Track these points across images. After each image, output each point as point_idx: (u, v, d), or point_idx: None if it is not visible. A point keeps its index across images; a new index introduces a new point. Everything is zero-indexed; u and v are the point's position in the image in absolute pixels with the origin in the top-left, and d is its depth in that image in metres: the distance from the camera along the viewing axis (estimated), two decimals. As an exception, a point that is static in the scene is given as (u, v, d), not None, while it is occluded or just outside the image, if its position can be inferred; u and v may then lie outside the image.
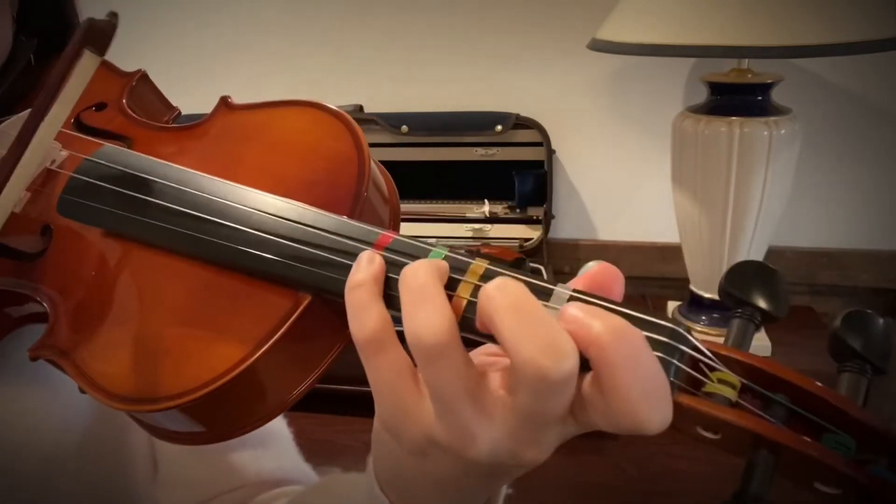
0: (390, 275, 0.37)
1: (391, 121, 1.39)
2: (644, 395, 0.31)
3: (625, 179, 1.46)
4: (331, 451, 1.09)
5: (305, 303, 0.39)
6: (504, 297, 0.32)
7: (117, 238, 0.46)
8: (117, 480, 0.64)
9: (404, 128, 1.39)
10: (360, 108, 1.44)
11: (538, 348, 0.31)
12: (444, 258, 0.37)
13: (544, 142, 1.37)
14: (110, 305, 0.44)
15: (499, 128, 1.36)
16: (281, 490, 0.62)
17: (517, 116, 1.36)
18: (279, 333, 0.39)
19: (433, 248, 0.38)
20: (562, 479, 1.08)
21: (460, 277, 0.36)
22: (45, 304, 0.46)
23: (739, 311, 0.39)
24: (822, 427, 0.34)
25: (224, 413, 0.40)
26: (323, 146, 0.47)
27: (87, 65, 0.44)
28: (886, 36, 1.01)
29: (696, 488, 1.00)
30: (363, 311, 0.36)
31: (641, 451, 1.07)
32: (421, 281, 0.34)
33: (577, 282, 0.37)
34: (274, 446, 0.67)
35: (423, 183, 1.42)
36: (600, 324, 0.31)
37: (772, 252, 1.27)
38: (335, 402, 1.15)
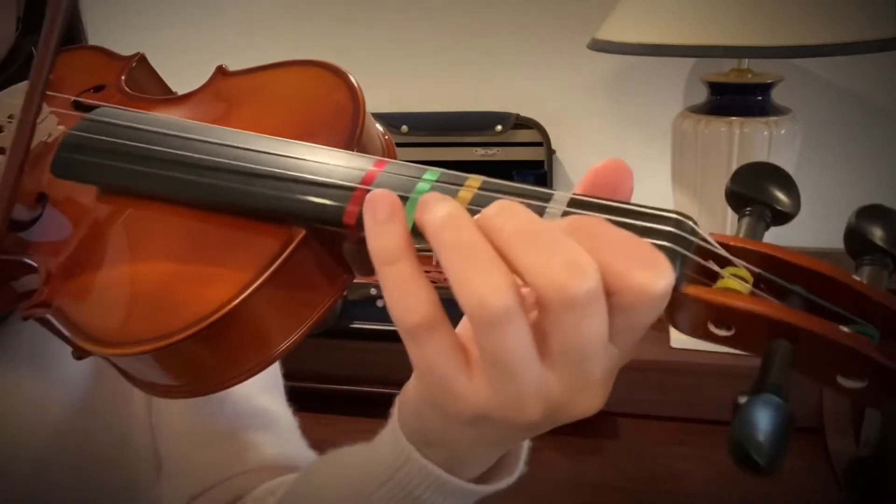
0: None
1: (391, 121, 1.39)
2: (630, 263, 0.30)
3: (625, 179, 1.45)
4: (331, 451, 1.08)
5: (299, 237, 0.39)
6: (509, 222, 0.31)
7: (110, 195, 0.46)
8: (120, 479, 0.64)
9: (404, 128, 1.39)
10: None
11: (559, 270, 0.29)
12: (439, 176, 0.37)
13: (544, 142, 1.37)
14: (101, 259, 0.44)
15: (499, 128, 1.36)
16: (283, 479, 0.61)
17: (517, 116, 1.36)
18: (272, 269, 0.38)
19: (428, 169, 0.38)
20: (562, 479, 1.08)
21: (458, 188, 0.36)
22: (35, 265, 0.46)
23: (748, 209, 0.36)
24: (844, 317, 0.32)
25: (210, 360, 0.40)
26: (317, 95, 0.47)
27: None
28: (886, 36, 1.01)
29: (695, 488, 1.00)
30: (410, 292, 0.32)
31: (641, 451, 1.07)
32: (469, 237, 0.31)
33: (581, 184, 0.36)
34: (276, 432, 0.65)
35: (423, 183, 1.42)
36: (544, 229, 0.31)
37: (772, 252, 1.27)
38: (335, 402, 1.15)
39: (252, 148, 0.42)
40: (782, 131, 1.12)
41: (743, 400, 0.29)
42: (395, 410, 0.43)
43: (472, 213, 0.33)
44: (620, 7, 1.13)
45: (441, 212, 0.32)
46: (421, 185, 0.37)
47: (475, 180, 0.36)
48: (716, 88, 1.18)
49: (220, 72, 0.53)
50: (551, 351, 0.32)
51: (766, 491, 0.99)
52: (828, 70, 1.32)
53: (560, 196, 0.34)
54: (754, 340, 0.32)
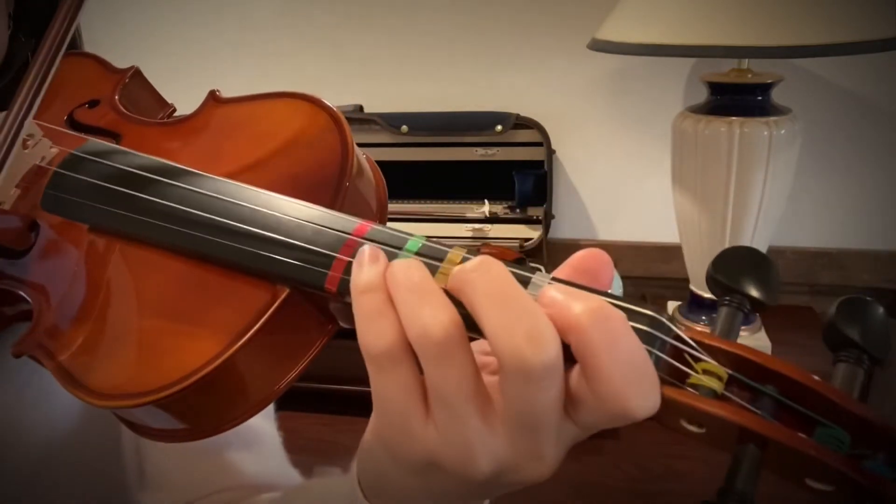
0: None
1: (391, 121, 1.39)
2: (627, 378, 0.30)
3: (625, 179, 1.46)
4: (331, 451, 1.09)
5: (283, 296, 0.39)
6: (484, 280, 0.32)
7: (100, 233, 0.46)
8: (109, 481, 0.64)
9: (404, 128, 1.39)
10: (360, 108, 1.44)
11: (520, 337, 0.30)
12: (420, 247, 0.37)
13: (544, 142, 1.37)
14: (92, 301, 0.44)
15: (499, 128, 1.36)
16: (261, 497, 0.61)
17: (517, 116, 1.36)
18: (256, 327, 0.38)
19: (411, 237, 0.38)
20: (562, 479, 1.08)
21: (438, 264, 0.36)
22: (29, 300, 0.46)
23: (727, 299, 0.37)
24: (815, 420, 0.33)
25: (205, 408, 0.40)
26: (306, 137, 0.47)
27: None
28: (886, 36, 1.01)
29: (695, 488, 1.00)
30: (378, 320, 0.33)
31: (641, 451, 1.07)
32: (417, 277, 0.33)
33: (562, 269, 0.36)
34: (259, 450, 0.66)
35: (423, 183, 1.42)
36: (578, 305, 0.30)
37: (772, 252, 1.27)
38: (335, 402, 1.15)
39: (238, 202, 0.42)
40: (782, 131, 1.12)
41: None
42: (353, 462, 0.44)
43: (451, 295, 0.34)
44: (620, 7, 1.13)
45: (399, 266, 0.34)
46: (402, 255, 0.37)
47: (457, 255, 0.36)
48: (716, 88, 1.18)
49: (213, 98, 0.52)
50: (504, 412, 0.32)
51: (766, 491, 0.99)
52: (828, 70, 1.32)
53: (539, 279, 0.34)
54: (725, 441, 0.33)
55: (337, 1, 1.45)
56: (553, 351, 0.30)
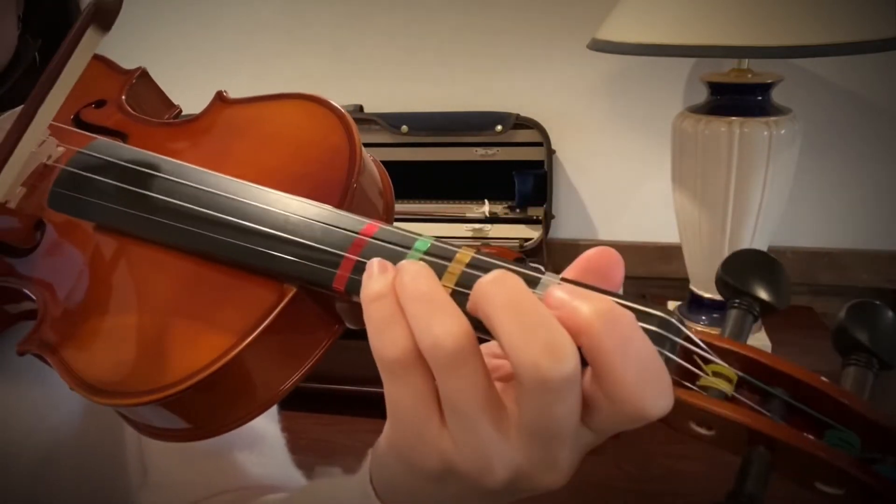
0: None
1: (391, 121, 1.39)
2: (640, 378, 0.30)
3: (625, 179, 1.45)
4: (331, 451, 1.09)
5: (290, 295, 0.39)
6: (501, 292, 0.31)
7: (107, 232, 0.46)
8: (111, 483, 0.64)
9: (404, 128, 1.39)
10: (360, 108, 1.44)
11: (537, 350, 0.30)
12: (429, 247, 0.37)
13: (544, 142, 1.37)
14: (97, 300, 0.44)
15: (499, 128, 1.36)
16: (265, 499, 0.60)
17: (517, 116, 1.36)
18: (263, 326, 0.38)
19: (419, 237, 0.37)
20: (562, 479, 1.08)
21: (446, 264, 0.35)
22: (34, 298, 0.46)
23: (737, 301, 0.37)
24: (825, 423, 0.32)
25: (209, 408, 0.40)
26: (314, 138, 0.47)
27: (90, 42, 0.45)
28: (886, 36, 1.01)
29: (695, 488, 1.00)
30: (390, 327, 0.33)
31: (641, 451, 1.07)
32: (426, 287, 0.33)
33: (571, 269, 0.35)
34: (262, 451, 0.65)
35: (423, 183, 1.42)
36: (587, 307, 0.30)
37: (771, 252, 1.26)
38: (335, 402, 1.15)
39: (246, 200, 0.42)
40: (782, 131, 1.12)
41: None
42: (366, 462, 0.43)
43: (459, 294, 0.34)
44: (620, 7, 1.13)
45: (407, 274, 0.33)
46: (411, 255, 0.37)
47: (465, 255, 0.36)
48: (716, 88, 1.18)
49: (220, 98, 0.52)
50: (520, 421, 0.32)
51: (773, 494, 0.99)
52: (828, 70, 1.32)
53: (548, 280, 0.34)
54: (734, 443, 0.33)
55: (337, 1, 1.45)
56: (572, 363, 0.30)
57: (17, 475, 0.57)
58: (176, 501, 0.63)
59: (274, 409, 0.69)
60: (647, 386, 0.30)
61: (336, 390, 1.16)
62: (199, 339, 0.39)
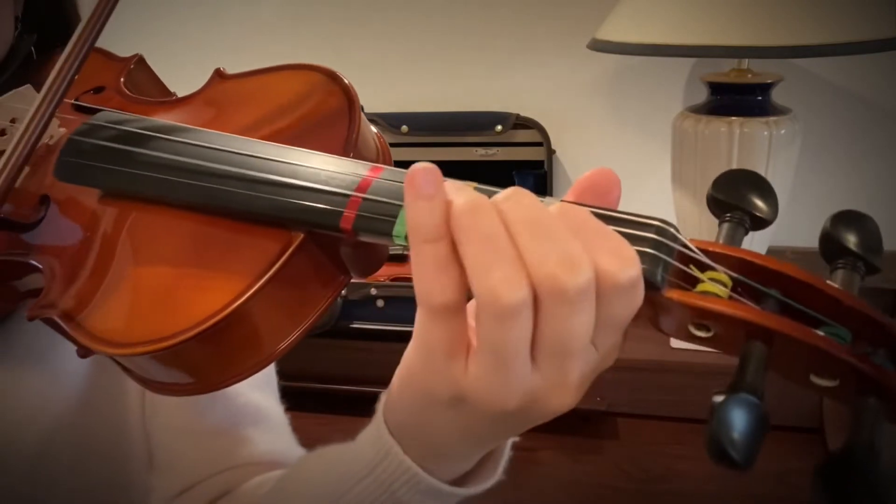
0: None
1: (391, 121, 1.39)
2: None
3: (625, 179, 1.42)
4: (331, 451, 1.08)
5: (298, 241, 0.40)
6: (516, 208, 0.32)
7: (113, 198, 0.47)
8: (114, 472, 0.64)
9: (404, 128, 1.39)
10: (360, 108, 1.44)
11: (554, 264, 0.30)
12: None
13: (544, 142, 1.37)
14: (104, 261, 0.45)
15: (499, 128, 1.36)
16: (272, 474, 0.61)
17: (517, 116, 1.37)
18: (271, 272, 0.39)
19: None
20: (562, 479, 1.08)
21: None
22: (40, 267, 0.47)
23: (728, 215, 0.38)
24: (818, 319, 0.33)
25: (212, 359, 0.41)
26: (313, 100, 0.48)
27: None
28: (886, 36, 1.01)
29: (695, 488, 1.01)
30: (444, 273, 0.32)
31: (641, 451, 1.07)
32: (491, 227, 0.32)
33: (572, 191, 0.37)
34: (267, 428, 0.66)
35: (423, 183, 1.42)
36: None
37: (772, 252, 1.27)
38: (335, 402, 1.15)
39: (252, 154, 0.43)
40: (782, 131, 1.12)
41: (719, 399, 0.30)
42: (379, 406, 0.44)
43: None
44: (620, 7, 1.13)
45: (463, 197, 0.32)
46: None
47: (469, 186, 0.36)
48: (716, 88, 1.18)
49: (218, 74, 0.54)
50: (538, 344, 0.33)
51: (766, 491, 0.99)
52: (828, 70, 1.32)
53: (549, 202, 0.35)
54: (732, 342, 0.34)
55: (337, 2, 1.45)
56: (587, 273, 0.31)
57: (17, 464, 0.58)
58: (184, 480, 0.63)
59: (276, 389, 0.70)
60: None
61: (336, 390, 1.16)
62: (208, 289, 0.40)
